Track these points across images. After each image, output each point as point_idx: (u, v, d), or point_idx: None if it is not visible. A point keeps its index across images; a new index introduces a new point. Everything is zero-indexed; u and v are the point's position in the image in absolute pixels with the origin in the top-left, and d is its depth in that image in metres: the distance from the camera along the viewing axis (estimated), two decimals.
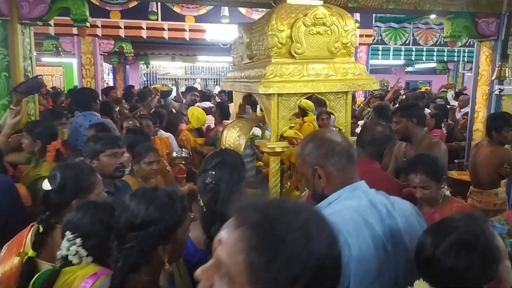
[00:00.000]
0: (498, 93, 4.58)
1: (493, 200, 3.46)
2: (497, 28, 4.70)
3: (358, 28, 8.60)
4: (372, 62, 10.70)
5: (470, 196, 3.62)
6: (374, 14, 8.49)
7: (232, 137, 2.88)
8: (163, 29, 7.34)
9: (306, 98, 2.83)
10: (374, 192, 1.43)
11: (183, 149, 4.10)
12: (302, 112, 4.82)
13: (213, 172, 1.70)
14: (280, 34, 2.32)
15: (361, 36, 8.38)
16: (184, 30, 7.39)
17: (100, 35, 7.33)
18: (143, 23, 7.24)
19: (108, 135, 2.62)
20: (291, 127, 2.60)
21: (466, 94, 7.74)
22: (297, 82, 2.32)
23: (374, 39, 10.01)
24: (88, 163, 2.24)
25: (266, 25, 2.36)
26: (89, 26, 4.25)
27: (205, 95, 8.31)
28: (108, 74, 11.23)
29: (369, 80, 2.45)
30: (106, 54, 8.67)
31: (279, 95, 2.36)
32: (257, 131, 5.45)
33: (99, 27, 7.11)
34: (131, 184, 2.54)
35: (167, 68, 15.48)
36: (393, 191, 1.75)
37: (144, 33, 7.34)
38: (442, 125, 5.67)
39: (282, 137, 2.42)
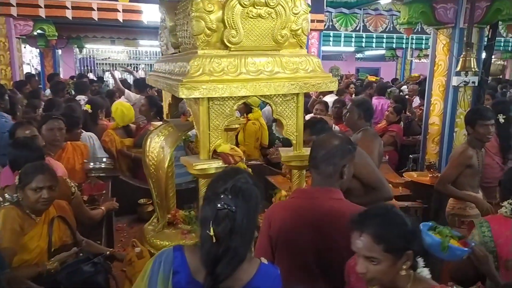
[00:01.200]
0: (463, 85, 4.29)
1: (451, 202, 3.13)
2: (455, 14, 4.39)
3: (309, 12, 8.19)
4: (323, 48, 10.38)
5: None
6: None
7: (156, 148, 2.27)
8: (91, 8, 6.41)
9: None
10: None
11: (104, 158, 3.40)
12: (246, 108, 4.24)
13: (230, 196, 1.32)
14: (209, 16, 1.72)
15: (312, 21, 7.91)
16: (117, 10, 6.50)
17: (16, 15, 6.27)
18: (68, 2, 6.26)
19: None
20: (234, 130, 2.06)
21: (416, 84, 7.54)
22: (233, 82, 1.74)
23: (325, 25, 9.64)
24: None
25: (189, 4, 1.75)
26: None
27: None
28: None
29: (326, 78, 1.92)
30: (24, 37, 7.55)
31: (210, 99, 1.77)
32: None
33: (13, 6, 6.06)
34: (8, 218, 1.87)
35: (107, 53, 14.21)
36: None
37: (69, 13, 6.37)
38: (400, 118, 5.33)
39: (215, 153, 1.85)
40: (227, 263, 1.28)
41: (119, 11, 6.50)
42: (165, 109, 2.80)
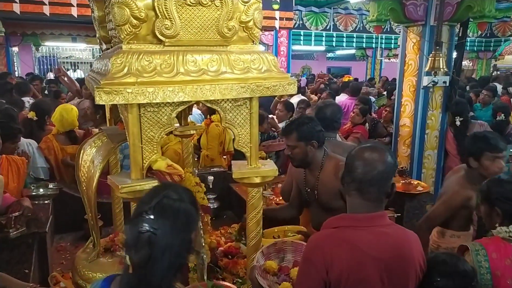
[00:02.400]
0: (432, 85, 4.10)
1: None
2: (425, 12, 4.20)
3: (278, 10, 7.94)
4: (294, 47, 10.18)
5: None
6: None
7: (87, 161, 1.91)
8: (42, 3, 5.91)
9: None
10: None
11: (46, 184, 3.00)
12: (209, 109, 3.90)
13: (152, 216, 1.12)
14: (135, 2, 1.39)
15: (281, 19, 7.70)
16: (70, 4, 6.03)
17: None
18: None
19: None
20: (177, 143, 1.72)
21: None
22: (168, 84, 1.41)
23: (295, 23, 9.44)
24: None
25: None
26: None
27: None
28: None
29: (283, 79, 1.62)
30: None
31: (141, 105, 1.44)
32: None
33: None
34: None
35: (69, 51, 13.46)
36: None
37: (16, 8, 5.85)
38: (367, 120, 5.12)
39: (150, 171, 1.52)
40: None
41: (73, 6, 6.04)
42: (107, 114, 2.44)
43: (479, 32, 10.75)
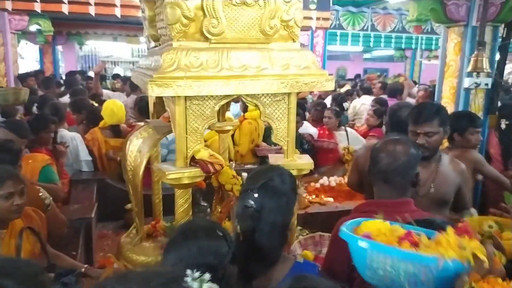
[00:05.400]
0: (474, 87, 4.00)
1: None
2: (467, 12, 4.10)
3: (315, 10, 7.94)
4: (329, 48, 10.13)
5: None
6: None
7: (134, 151, 2.04)
8: (88, 3, 6.22)
9: None
10: None
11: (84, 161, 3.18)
12: (244, 105, 4.00)
13: (256, 195, 1.34)
14: (185, 3, 1.49)
15: (318, 19, 7.68)
16: (114, 5, 6.31)
17: (11, 9, 6.09)
18: None
19: None
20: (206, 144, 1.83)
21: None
22: (213, 79, 1.51)
23: (332, 23, 9.38)
24: None
25: None
26: None
27: None
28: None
29: (321, 75, 1.68)
30: (20, 32, 7.36)
31: (188, 98, 1.54)
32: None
33: (8, 0, 5.88)
34: None
35: (110, 50, 14.02)
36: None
37: (65, 8, 6.18)
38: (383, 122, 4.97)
39: (193, 161, 1.62)
40: (255, 262, 1.30)
41: (116, 6, 6.31)
42: (151, 108, 2.59)
43: None
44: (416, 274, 0.91)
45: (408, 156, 1.45)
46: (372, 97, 6.15)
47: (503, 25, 4.20)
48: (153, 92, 1.42)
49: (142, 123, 2.48)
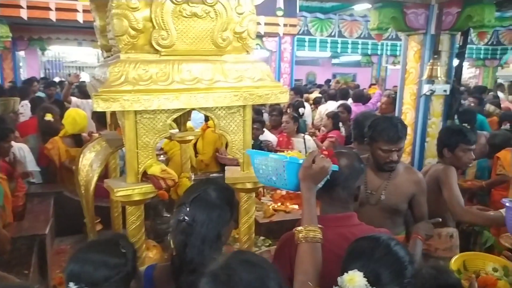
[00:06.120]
0: (430, 94, 4.13)
1: (435, 244, 2.46)
2: (426, 20, 4.24)
3: (282, 16, 8.00)
4: (299, 53, 10.24)
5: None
6: (298, 3, 7.88)
7: (86, 165, 1.97)
8: (48, 8, 6.03)
9: None
10: None
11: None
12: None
13: (188, 208, 1.37)
14: (133, 14, 1.45)
15: (285, 25, 7.75)
16: (76, 10, 6.14)
17: None
18: (22, 1, 5.87)
19: None
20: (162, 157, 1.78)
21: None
22: (164, 92, 1.47)
23: (300, 29, 9.50)
24: None
25: None
26: None
27: None
28: None
29: (276, 87, 1.67)
30: None
31: (138, 112, 1.49)
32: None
33: None
34: None
35: (75, 55, 13.62)
36: None
37: (24, 13, 5.97)
38: (340, 125, 5.06)
39: (145, 176, 1.57)
40: (187, 277, 1.30)
41: (78, 11, 6.14)
42: (108, 119, 2.51)
43: (486, 40, 10.77)
44: (277, 168, 1.40)
45: (350, 169, 1.48)
46: (338, 103, 6.26)
47: (459, 33, 4.37)
48: (98, 106, 1.37)
49: (97, 135, 2.40)
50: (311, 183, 1.33)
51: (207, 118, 3.97)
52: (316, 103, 7.37)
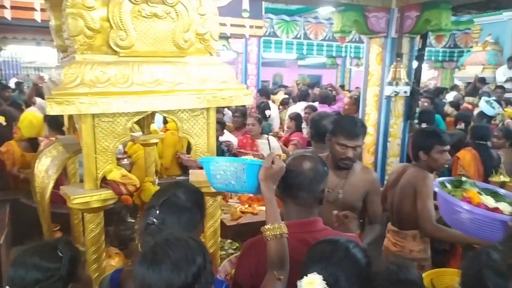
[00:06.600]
0: (393, 95, 4.24)
1: (409, 246, 2.49)
2: (387, 24, 4.35)
3: (248, 18, 8.01)
4: (265, 55, 10.29)
5: (387, 234, 2.70)
6: (263, 4, 7.92)
7: (42, 171, 1.87)
8: (3, 7, 5.74)
9: None
10: None
11: None
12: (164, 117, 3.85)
13: (158, 211, 1.34)
14: (89, 14, 1.39)
15: (251, 27, 7.76)
16: (33, 9, 5.88)
17: None
18: None
19: None
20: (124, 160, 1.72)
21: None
22: (123, 95, 1.42)
23: (266, 31, 9.54)
24: None
25: None
26: None
27: None
28: None
29: (240, 90, 1.66)
30: None
31: (96, 115, 1.43)
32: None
33: None
34: None
35: (33, 55, 13.05)
36: None
37: None
38: (303, 126, 5.08)
39: (104, 182, 1.51)
40: None
41: (36, 10, 5.88)
42: (65, 122, 2.41)
43: (444, 43, 11.24)
44: (237, 171, 1.38)
45: (314, 172, 1.46)
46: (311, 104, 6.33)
47: (418, 37, 4.52)
48: (52, 110, 1.30)
49: (53, 139, 2.30)
50: (271, 183, 1.34)
51: (165, 121, 3.89)
52: (284, 103, 7.42)
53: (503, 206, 1.22)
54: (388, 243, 2.62)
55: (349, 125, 2.25)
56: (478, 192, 1.28)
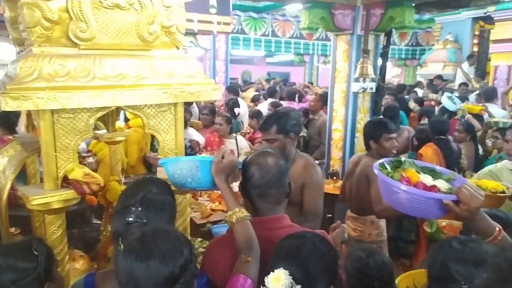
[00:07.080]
0: (362, 91, 4.32)
1: (368, 230, 2.72)
2: (352, 21, 4.43)
3: (215, 14, 7.93)
4: (234, 52, 10.24)
5: (346, 221, 2.89)
6: (231, 1, 7.85)
7: None
8: None
9: None
10: None
11: None
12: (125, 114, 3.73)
13: (140, 208, 1.29)
14: (46, 4, 1.31)
15: (219, 23, 7.68)
16: None
17: None
18: None
19: None
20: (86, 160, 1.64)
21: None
22: (84, 89, 1.35)
23: (234, 28, 9.49)
24: None
25: None
26: None
27: None
28: None
29: (207, 84, 1.62)
30: None
31: (55, 111, 1.36)
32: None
33: None
34: None
35: None
36: None
37: None
38: None
39: (65, 181, 1.44)
40: None
41: None
42: (24, 120, 2.29)
43: (407, 41, 11.58)
44: (191, 169, 1.41)
45: (279, 167, 1.45)
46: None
47: (383, 34, 4.63)
48: (7, 105, 1.22)
49: (11, 137, 2.17)
50: (223, 175, 1.39)
51: (126, 118, 3.77)
52: (255, 100, 7.40)
53: (440, 183, 1.26)
54: (348, 229, 2.74)
55: (263, 119, 2.41)
56: (417, 171, 1.31)
